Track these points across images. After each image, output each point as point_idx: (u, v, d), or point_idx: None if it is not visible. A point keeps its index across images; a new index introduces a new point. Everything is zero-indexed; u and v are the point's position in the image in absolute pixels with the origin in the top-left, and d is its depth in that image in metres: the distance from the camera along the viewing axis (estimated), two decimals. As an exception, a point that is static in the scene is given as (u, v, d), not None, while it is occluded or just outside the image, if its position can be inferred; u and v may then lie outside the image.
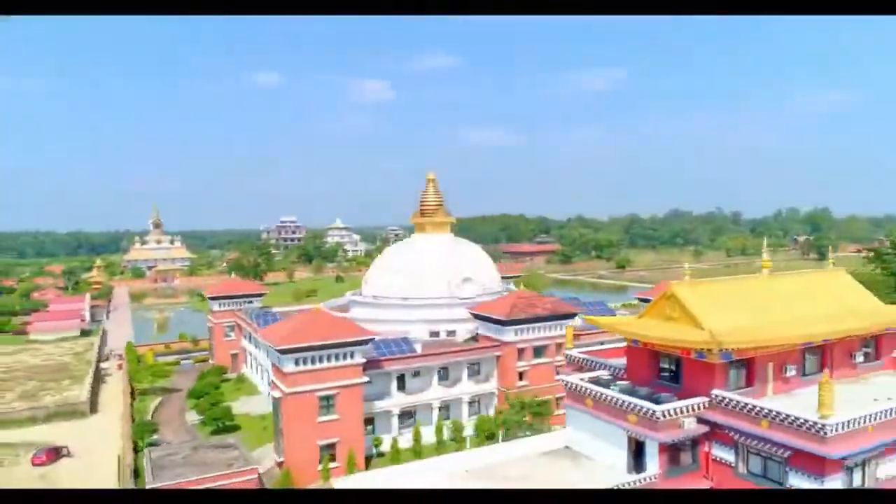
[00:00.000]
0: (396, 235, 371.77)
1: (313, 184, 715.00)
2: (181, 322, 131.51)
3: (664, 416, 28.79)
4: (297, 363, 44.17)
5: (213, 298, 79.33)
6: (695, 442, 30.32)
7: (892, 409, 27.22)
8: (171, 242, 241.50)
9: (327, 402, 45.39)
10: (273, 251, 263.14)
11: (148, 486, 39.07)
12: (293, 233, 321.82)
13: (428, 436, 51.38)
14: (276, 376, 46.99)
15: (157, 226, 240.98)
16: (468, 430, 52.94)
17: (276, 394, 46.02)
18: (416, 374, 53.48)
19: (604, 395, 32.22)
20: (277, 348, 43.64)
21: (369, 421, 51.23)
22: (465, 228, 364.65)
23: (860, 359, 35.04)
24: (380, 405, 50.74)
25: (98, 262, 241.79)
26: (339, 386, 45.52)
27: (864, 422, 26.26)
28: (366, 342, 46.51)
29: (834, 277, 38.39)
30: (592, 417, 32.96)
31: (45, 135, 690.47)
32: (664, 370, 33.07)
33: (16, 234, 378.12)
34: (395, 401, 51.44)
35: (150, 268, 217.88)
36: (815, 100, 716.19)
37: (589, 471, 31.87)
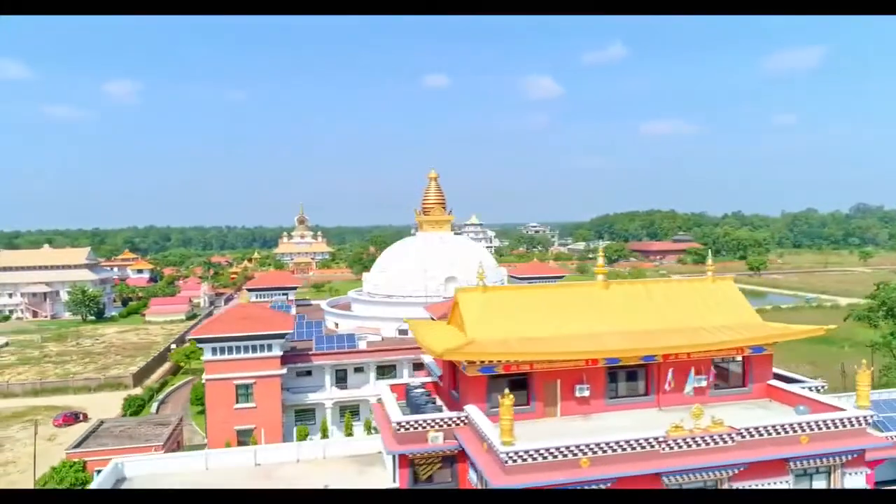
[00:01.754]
0: (537, 232, 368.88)
1: (460, 182, 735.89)
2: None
3: (400, 427, 27.29)
4: (213, 352, 47.49)
5: (250, 290, 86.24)
6: (454, 459, 28.22)
7: (616, 443, 23.28)
8: (314, 237, 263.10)
9: (245, 391, 48.18)
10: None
11: (67, 452, 44.68)
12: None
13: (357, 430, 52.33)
14: (206, 363, 50.90)
15: (301, 222, 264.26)
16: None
17: (203, 380, 49.82)
18: (360, 370, 54.43)
19: (382, 403, 31.16)
20: (191, 338, 47.30)
21: (309, 412, 53.42)
22: (606, 225, 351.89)
23: (704, 383, 29.76)
24: (313, 398, 52.54)
25: (255, 254, 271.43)
26: (256, 376, 48.04)
27: (566, 454, 22.85)
28: (280, 336, 48.47)
29: (709, 287, 32.82)
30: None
31: (234, 138, 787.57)
32: (457, 381, 31.04)
33: (206, 228, 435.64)
34: (328, 394, 52.84)
35: (291, 260, 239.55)
36: None
37: (367, 477, 31.10)
